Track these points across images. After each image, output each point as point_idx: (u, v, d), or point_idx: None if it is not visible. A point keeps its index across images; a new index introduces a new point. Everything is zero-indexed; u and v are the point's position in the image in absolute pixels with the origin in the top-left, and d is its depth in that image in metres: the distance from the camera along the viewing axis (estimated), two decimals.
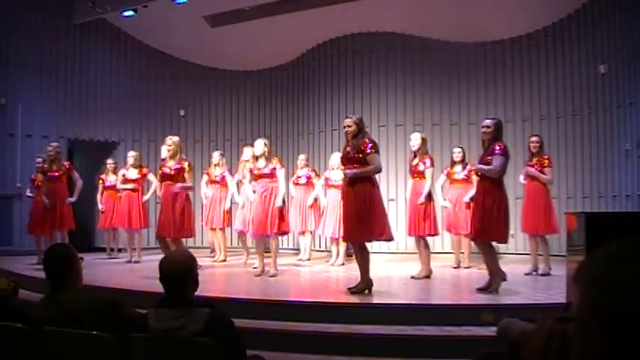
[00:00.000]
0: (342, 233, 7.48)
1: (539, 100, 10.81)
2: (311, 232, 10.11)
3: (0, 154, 11.75)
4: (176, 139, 8.06)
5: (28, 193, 10.29)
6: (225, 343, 2.53)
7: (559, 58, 10.62)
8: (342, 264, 9.17)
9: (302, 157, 10.27)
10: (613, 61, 9.69)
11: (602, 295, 0.98)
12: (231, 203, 9.81)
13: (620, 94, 9.53)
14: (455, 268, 8.76)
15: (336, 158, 9.21)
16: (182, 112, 13.17)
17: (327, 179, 9.54)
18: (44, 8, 12.13)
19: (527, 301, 5.84)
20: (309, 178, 9.93)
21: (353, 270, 8.62)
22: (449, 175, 8.94)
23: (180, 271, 2.74)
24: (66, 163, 9.41)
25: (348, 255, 9.22)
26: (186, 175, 7.83)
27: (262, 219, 7.58)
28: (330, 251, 9.87)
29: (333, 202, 9.19)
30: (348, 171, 6.16)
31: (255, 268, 8.29)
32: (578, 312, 1.01)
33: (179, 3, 10.89)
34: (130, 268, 9.17)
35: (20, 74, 11.96)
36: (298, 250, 10.62)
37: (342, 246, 9.23)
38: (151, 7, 11.14)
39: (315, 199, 9.82)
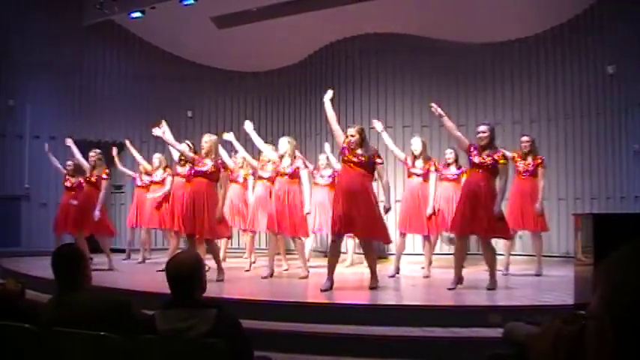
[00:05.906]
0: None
1: (547, 101, 10.77)
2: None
3: (9, 155, 11.81)
4: (214, 137, 7.61)
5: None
6: (232, 344, 2.54)
7: (567, 58, 10.58)
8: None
9: (322, 156, 9.95)
10: (621, 62, 9.64)
11: (615, 296, 0.98)
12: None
13: (629, 95, 9.49)
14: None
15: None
16: (190, 114, 13.20)
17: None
18: (52, 10, 12.17)
19: (534, 302, 5.82)
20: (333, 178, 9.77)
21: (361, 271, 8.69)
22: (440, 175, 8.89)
23: (186, 273, 2.74)
24: (105, 173, 8.90)
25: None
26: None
27: (277, 216, 7.51)
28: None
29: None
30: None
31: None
32: (596, 311, 1.02)
33: (186, 4, 10.93)
34: (138, 269, 9.19)
35: (28, 76, 12.01)
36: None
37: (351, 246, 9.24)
38: (158, 9, 11.19)
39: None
